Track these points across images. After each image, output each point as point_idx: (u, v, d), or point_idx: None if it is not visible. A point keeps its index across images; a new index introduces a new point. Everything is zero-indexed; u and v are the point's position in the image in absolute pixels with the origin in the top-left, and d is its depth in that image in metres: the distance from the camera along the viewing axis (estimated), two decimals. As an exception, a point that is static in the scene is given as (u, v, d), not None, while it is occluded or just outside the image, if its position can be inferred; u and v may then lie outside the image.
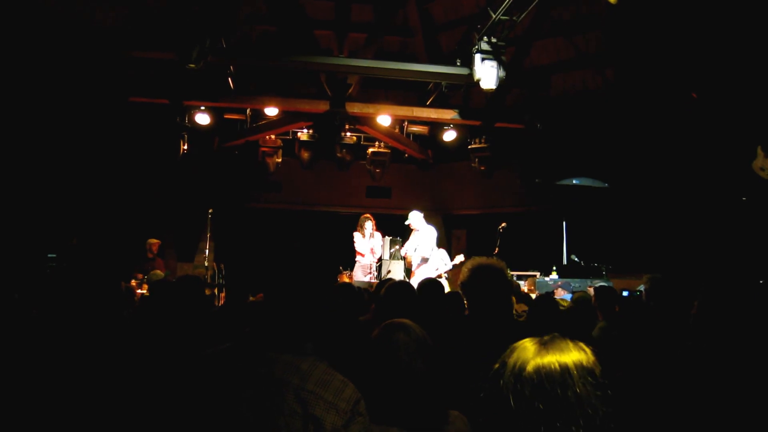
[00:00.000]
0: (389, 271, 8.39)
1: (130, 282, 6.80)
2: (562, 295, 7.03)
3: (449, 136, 9.59)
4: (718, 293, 2.03)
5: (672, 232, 8.01)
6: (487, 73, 6.39)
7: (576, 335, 1.13)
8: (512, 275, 7.13)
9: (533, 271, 8.78)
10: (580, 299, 4.37)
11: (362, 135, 10.07)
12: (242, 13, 8.42)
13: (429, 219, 8.22)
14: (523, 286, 7.82)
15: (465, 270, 2.38)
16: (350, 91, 8.61)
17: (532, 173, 9.80)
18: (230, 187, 10.34)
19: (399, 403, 1.52)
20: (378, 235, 8.13)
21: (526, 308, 4.40)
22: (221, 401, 1.41)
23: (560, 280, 7.86)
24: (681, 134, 7.55)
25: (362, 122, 9.45)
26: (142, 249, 8.08)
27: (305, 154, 9.73)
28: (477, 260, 2.40)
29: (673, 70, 7.29)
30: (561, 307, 3.99)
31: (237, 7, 8.08)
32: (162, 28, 7.27)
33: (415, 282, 5.97)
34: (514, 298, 3.96)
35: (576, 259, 8.35)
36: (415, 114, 9.25)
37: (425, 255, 7.56)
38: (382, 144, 10.05)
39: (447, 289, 6.09)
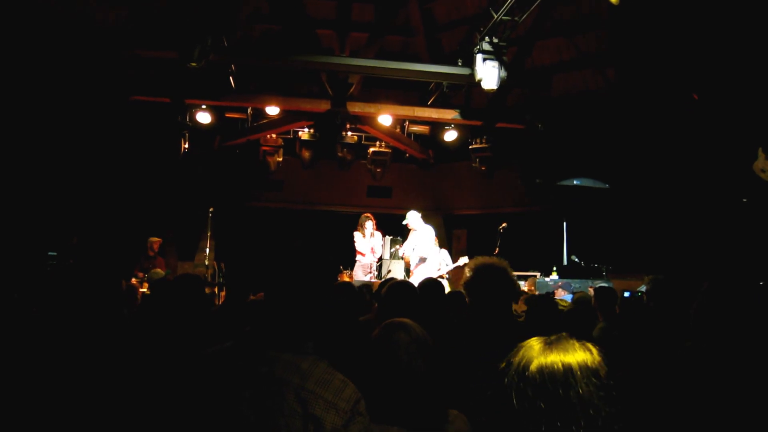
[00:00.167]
0: (389, 271, 8.39)
1: (130, 280, 6.81)
2: (563, 296, 7.03)
3: (450, 136, 9.59)
4: (717, 294, 2.03)
5: (673, 233, 8.00)
6: (488, 73, 6.39)
7: (576, 335, 1.13)
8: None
9: (533, 272, 8.77)
10: (580, 299, 4.37)
11: (363, 134, 10.07)
12: (244, 12, 8.42)
13: (430, 219, 8.22)
14: (523, 286, 7.81)
15: (468, 269, 2.38)
16: (351, 90, 8.61)
17: (533, 173, 9.80)
18: (231, 186, 10.35)
19: (399, 403, 1.52)
20: (378, 234, 8.13)
21: (525, 308, 4.40)
22: (222, 400, 1.41)
23: (560, 280, 7.86)
24: (682, 135, 7.54)
25: (363, 122, 9.45)
26: (143, 247, 8.08)
27: (306, 154, 9.73)
28: (480, 260, 2.40)
29: (675, 70, 7.28)
30: (561, 308, 3.99)
31: (238, 6, 8.09)
32: (163, 27, 7.27)
33: (414, 282, 5.97)
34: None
35: (576, 259, 8.36)
36: (416, 114, 9.25)
37: (423, 255, 7.56)
38: (383, 143, 10.05)
39: (447, 289, 6.09)
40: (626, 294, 5.85)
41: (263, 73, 9.26)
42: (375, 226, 8.09)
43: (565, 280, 7.79)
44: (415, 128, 9.99)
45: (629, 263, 8.19)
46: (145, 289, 6.41)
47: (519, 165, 10.24)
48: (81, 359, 2.19)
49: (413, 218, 7.74)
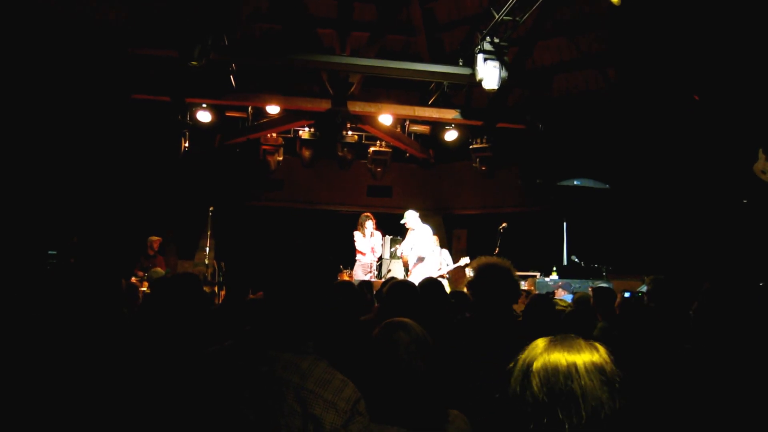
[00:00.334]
0: (389, 270, 8.40)
1: (131, 279, 6.81)
2: (563, 296, 7.02)
3: (451, 135, 9.59)
4: (717, 295, 2.03)
5: (673, 233, 8.00)
6: (489, 73, 6.39)
7: (576, 335, 1.14)
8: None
9: (533, 272, 8.77)
10: (580, 299, 4.37)
11: (363, 134, 10.07)
12: (244, 11, 8.42)
13: (430, 218, 8.22)
14: (523, 286, 7.81)
15: (472, 269, 2.39)
16: (352, 89, 8.61)
17: (533, 173, 9.79)
18: (231, 185, 10.35)
19: (399, 403, 1.52)
20: (378, 234, 8.13)
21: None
22: (222, 399, 1.41)
23: (560, 280, 7.85)
24: (682, 136, 7.54)
25: (364, 121, 9.45)
26: (143, 246, 8.08)
27: (306, 153, 9.73)
28: (485, 260, 2.41)
29: (675, 71, 7.28)
30: (560, 308, 3.99)
31: (239, 5, 8.09)
32: (164, 26, 7.27)
33: (412, 281, 5.97)
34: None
35: (576, 259, 8.35)
36: (416, 113, 9.25)
37: (421, 254, 7.56)
38: (383, 143, 10.05)
39: (447, 289, 6.09)
40: (626, 294, 5.84)
41: (264, 72, 9.26)
42: (375, 226, 8.09)
43: (565, 281, 7.78)
44: (416, 128, 9.99)
45: (629, 264, 8.19)
46: (145, 288, 6.41)
47: (519, 165, 10.24)
48: (81, 358, 2.19)
49: (411, 218, 7.74)
